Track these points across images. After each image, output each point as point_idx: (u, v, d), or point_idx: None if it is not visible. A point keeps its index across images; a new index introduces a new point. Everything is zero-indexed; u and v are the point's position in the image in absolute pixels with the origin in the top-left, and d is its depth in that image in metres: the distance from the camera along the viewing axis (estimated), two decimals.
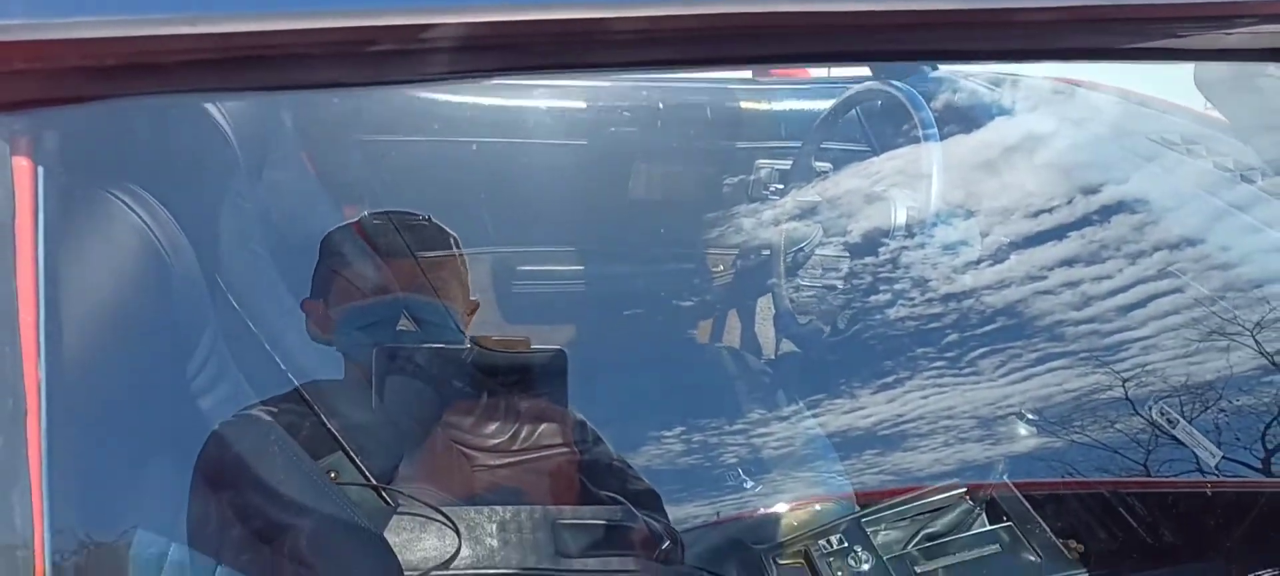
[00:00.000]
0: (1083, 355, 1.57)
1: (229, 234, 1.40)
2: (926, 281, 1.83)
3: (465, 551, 1.52)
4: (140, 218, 1.03)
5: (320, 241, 1.58)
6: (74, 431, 0.68)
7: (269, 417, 1.27)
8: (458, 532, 1.54)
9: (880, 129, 2.12)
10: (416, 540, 1.53)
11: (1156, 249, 1.58)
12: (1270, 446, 1.37)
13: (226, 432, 1.14)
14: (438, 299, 1.77)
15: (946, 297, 1.77)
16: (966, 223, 1.83)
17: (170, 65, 0.54)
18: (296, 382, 1.48)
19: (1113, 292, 1.58)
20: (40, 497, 0.61)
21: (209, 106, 1.41)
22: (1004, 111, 1.96)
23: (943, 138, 1.86)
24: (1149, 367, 1.49)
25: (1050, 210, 1.71)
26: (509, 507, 1.63)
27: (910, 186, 1.86)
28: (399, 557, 1.40)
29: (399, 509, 1.57)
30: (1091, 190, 1.67)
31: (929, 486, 1.61)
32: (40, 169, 0.59)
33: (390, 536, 1.45)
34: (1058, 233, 1.68)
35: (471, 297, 1.82)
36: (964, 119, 1.96)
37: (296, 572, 1.18)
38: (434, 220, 1.76)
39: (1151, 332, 1.51)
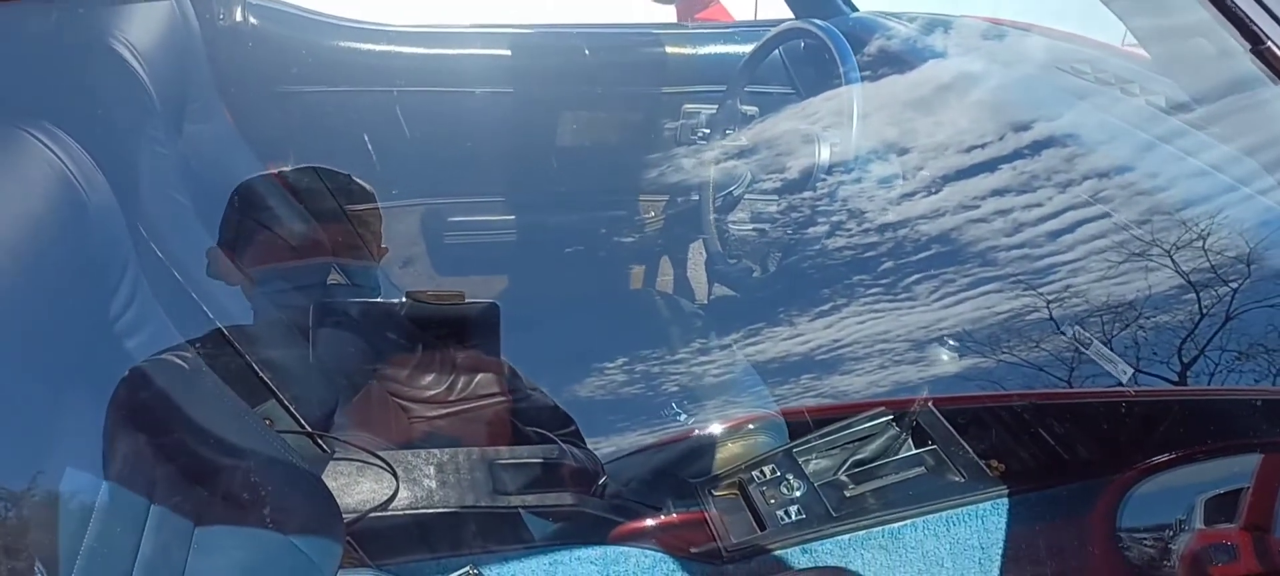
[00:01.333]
0: (1012, 278, 1.61)
1: (149, 180, 1.38)
2: (858, 214, 1.87)
3: (403, 493, 1.53)
4: (55, 154, 1.01)
5: (233, 191, 1.56)
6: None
7: (199, 361, 1.26)
8: (395, 475, 1.55)
9: (803, 71, 2.14)
10: (353, 484, 1.53)
11: (1086, 177, 1.62)
12: (1186, 359, 1.43)
13: (155, 374, 1.13)
14: (356, 251, 1.76)
15: (877, 230, 1.81)
16: (897, 159, 1.87)
17: None
18: (226, 330, 1.46)
19: (1043, 219, 1.62)
20: None
21: (121, 49, 1.38)
22: (935, 53, 2.00)
23: (873, 79, 1.89)
24: (1075, 289, 1.54)
25: (982, 145, 1.75)
26: (445, 450, 1.63)
27: (835, 126, 1.89)
28: (337, 500, 1.40)
29: (335, 455, 1.57)
30: (1023, 126, 1.72)
31: (859, 410, 1.65)
32: None
33: (328, 481, 1.45)
34: (989, 165, 1.72)
35: (383, 245, 1.81)
36: (894, 60, 1.99)
37: (231, 513, 1.18)
38: (348, 173, 1.75)
39: (1079, 256, 1.56)
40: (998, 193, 1.71)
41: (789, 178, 1.98)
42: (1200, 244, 1.43)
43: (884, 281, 1.81)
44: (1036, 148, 1.69)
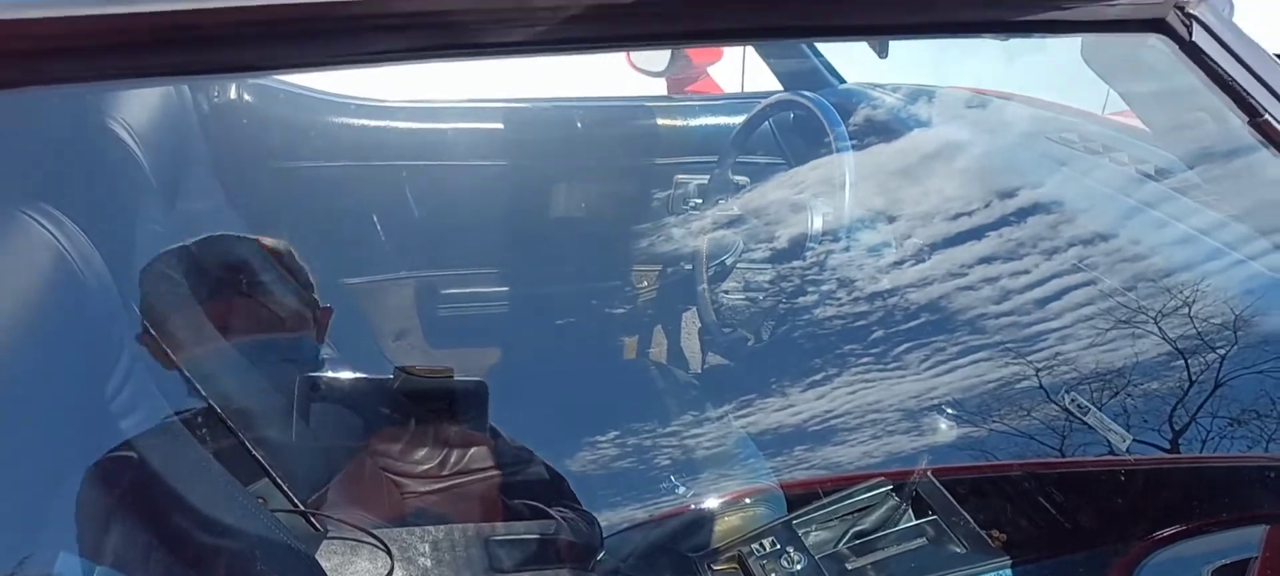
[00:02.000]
0: (1002, 346, 1.62)
1: (144, 259, 1.37)
2: (849, 283, 1.88)
3: (399, 572, 1.51)
4: (53, 236, 1.01)
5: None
6: None
7: (192, 441, 1.24)
8: (390, 554, 1.52)
9: (793, 141, 2.16)
10: (348, 564, 1.50)
11: (1071, 244, 1.64)
12: (1177, 426, 1.43)
13: (148, 455, 1.12)
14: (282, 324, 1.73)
15: (868, 298, 1.81)
16: (886, 227, 1.88)
17: (90, 48, 0.53)
18: (218, 409, 1.45)
19: (1029, 287, 1.63)
20: None
21: (118, 129, 1.39)
22: (920, 122, 2.02)
23: (859, 148, 1.91)
24: (1065, 356, 1.55)
25: (968, 213, 1.76)
26: (441, 526, 1.61)
27: (826, 195, 1.90)
28: None
29: (329, 534, 1.55)
30: (1008, 193, 1.73)
31: (856, 481, 1.64)
32: None
33: (321, 561, 1.42)
34: (975, 233, 1.74)
35: (323, 305, 1.78)
36: (880, 130, 2.02)
37: None
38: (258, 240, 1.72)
39: (1067, 323, 1.57)
40: (985, 260, 1.72)
41: (780, 247, 2.00)
42: (1187, 310, 1.44)
43: (874, 350, 1.81)
44: (1022, 215, 1.71)
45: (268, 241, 1.70)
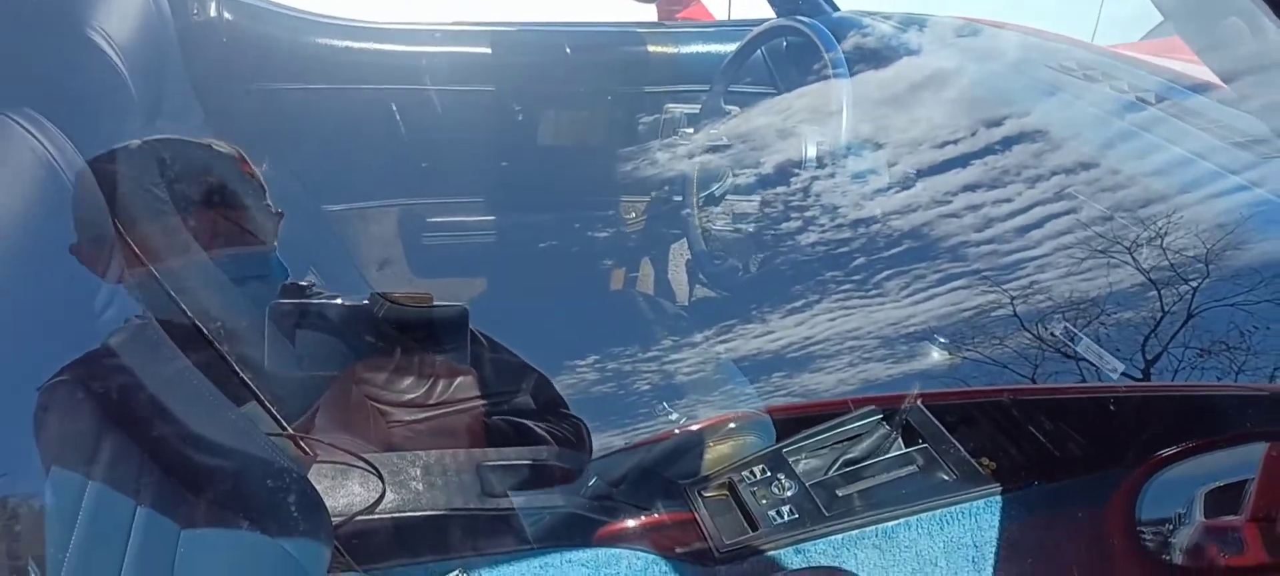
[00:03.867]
0: (985, 274, 1.62)
1: (128, 176, 1.33)
2: (839, 212, 1.86)
3: (390, 496, 1.50)
4: (39, 141, 0.97)
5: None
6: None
7: (182, 359, 1.21)
8: (381, 478, 1.51)
9: (786, 70, 2.14)
10: (338, 487, 1.49)
11: (1054, 173, 1.63)
12: (1149, 355, 1.43)
13: (140, 372, 1.09)
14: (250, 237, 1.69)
15: (854, 226, 1.80)
16: (873, 154, 1.87)
17: None
18: (205, 329, 1.42)
19: (1012, 214, 1.63)
20: None
21: (98, 39, 1.34)
22: (910, 50, 2.00)
23: (851, 76, 1.89)
24: (1041, 285, 1.55)
25: (955, 141, 1.75)
26: (432, 452, 1.60)
27: (819, 122, 1.88)
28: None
29: (318, 458, 1.54)
30: (995, 122, 1.72)
31: (845, 408, 1.64)
32: None
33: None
34: (961, 160, 1.73)
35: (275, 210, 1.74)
36: (870, 57, 1.99)
37: (218, 515, 1.14)
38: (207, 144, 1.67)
39: (1047, 251, 1.57)
40: (970, 188, 1.71)
41: (768, 174, 1.98)
42: (1161, 242, 1.44)
43: (861, 277, 1.81)
44: (1007, 143, 1.70)
45: (222, 147, 1.65)
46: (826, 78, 1.85)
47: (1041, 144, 1.67)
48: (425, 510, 1.48)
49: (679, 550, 1.55)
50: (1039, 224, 1.60)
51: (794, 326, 1.80)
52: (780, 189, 1.91)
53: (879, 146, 1.84)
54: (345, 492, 1.48)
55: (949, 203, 1.72)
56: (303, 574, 1.22)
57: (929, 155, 1.78)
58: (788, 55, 2.15)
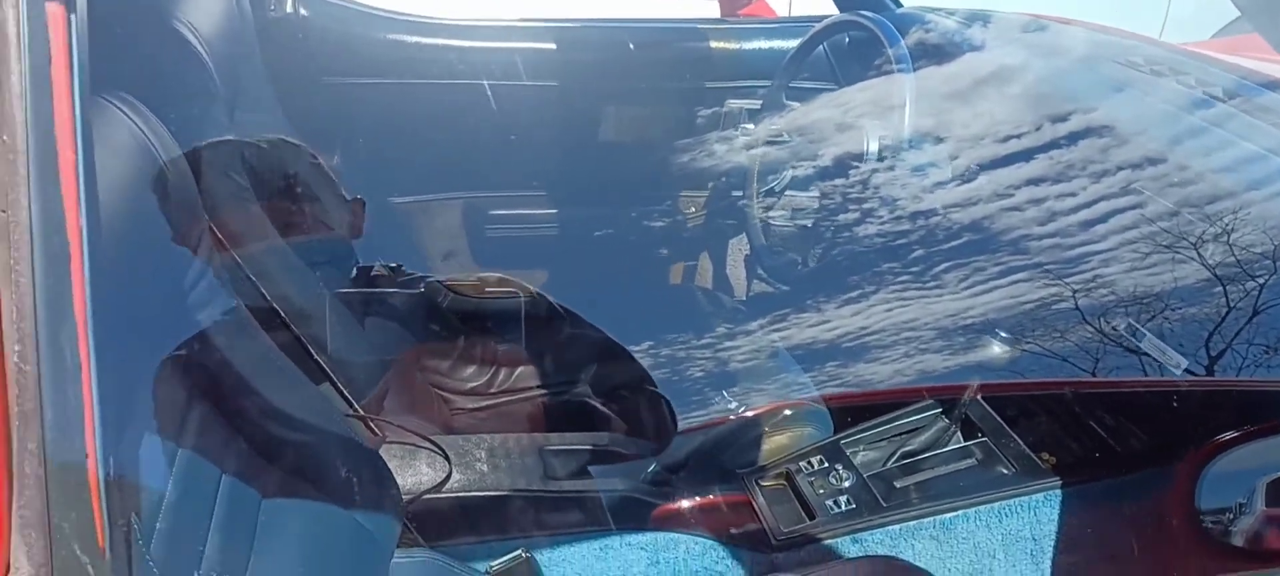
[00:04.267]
0: (1047, 267, 1.61)
1: (213, 165, 1.40)
2: (898, 206, 1.87)
3: (456, 476, 1.54)
4: (136, 123, 1.02)
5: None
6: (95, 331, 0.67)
7: (266, 339, 1.27)
8: (448, 459, 1.56)
9: (848, 65, 2.14)
10: (406, 467, 1.54)
11: (1121, 168, 1.62)
12: (1213, 352, 1.42)
13: (225, 348, 1.14)
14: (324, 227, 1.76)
15: (916, 220, 1.81)
16: (934, 148, 1.87)
17: None
18: (282, 311, 1.48)
19: (1077, 209, 1.62)
20: (91, 396, 0.60)
21: (184, 30, 1.40)
22: (975, 46, 2.00)
23: (914, 71, 1.89)
24: (1105, 279, 1.54)
25: (1020, 136, 1.74)
26: (496, 435, 1.64)
27: (880, 117, 1.89)
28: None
29: (388, 439, 1.59)
30: (1060, 117, 1.72)
31: (904, 397, 1.65)
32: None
33: None
34: (1025, 155, 1.72)
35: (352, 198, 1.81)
36: (933, 53, 1.99)
37: (297, 487, 1.19)
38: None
39: (1112, 246, 1.56)
40: (1033, 182, 1.71)
41: (829, 169, 1.99)
42: (1228, 238, 1.43)
43: (923, 270, 1.81)
44: (1073, 138, 1.69)
45: (295, 142, 1.73)
46: (889, 73, 1.85)
47: (1108, 139, 1.66)
48: (489, 491, 1.53)
49: (736, 536, 1.58)
50: (1104, 218, 1.59)
51: (850, 316, 1.81)
52: (845, 186, 1.92)
53: (940, 140, 1.84)
54: (413, 472, 1.53)
55: (1011, 196, 1.72)
56: (374, 546, 1.26)
57: (992, 149, 1.78)
58: (850, 51, 2.16)
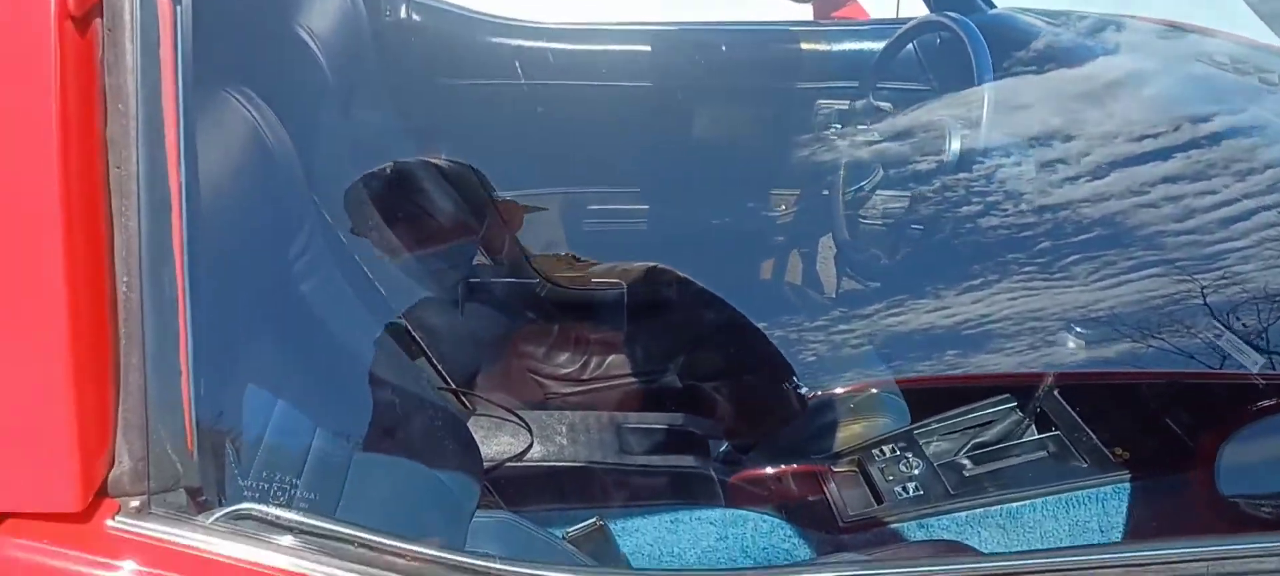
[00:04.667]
0: (1180, 263, 1.60)
1: (323, 150, 1.53)
2: (981, 205, 1.88)
3: (537, 447, 1.64)
4: (250, 113, 1.16)
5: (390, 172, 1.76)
6: (202, 301, 0.78)
7: (365, 311, 1.40)
8: (530, 431, 1.66)
9: (938, 66, 2.16)
10: (492, 437, 1.65)
11: (1269, 166, 1.59)
12: None
13: (326, 316, 1.27)
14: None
15: (997, 217, 1.82)
16: (1027, 153, 1.88)
17: None
18: (382, 290, 1.61)
19: (1216, 206, 1.60)
20: (185, 324, 0.72)
21: (303, 33, 1.55)
22: (1072, 48, 1.99)
23: (1004, 73, 1.91)
24: (1244, 276, 1.53)
25: (1156, 135, 1.72)
26: (577, 412, 1.74)
27: (966, 120, 1.91)
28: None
29: (477, 412, 1.70)
30: (1202, 118, 1.69)
31: (979, 383, 1.67)
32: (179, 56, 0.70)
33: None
34: (1162, 154, 1.69)
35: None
36: (1026, 54, 2.00)
37: (387, 444, 1.31)
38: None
39: (1252, 244, 1.54)
40: (1170, 179, 1.69)
41: (918, 172, 2.01)
42: None
43: (1039, 260, 1.80)
44: (1216, 138, 1.67)
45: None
46: (975, 76, 1.88)
47: (1255, 139, 1.64)
48: (568, 462, 1.63)
49: (803, 516, 1.63)
50: (1245, 216, 1.57)
51: (970, 304, 1.81)
52: (933, 188, 1.94)
53: (1070, 138, 1.83)
54: (497, 442, 1.64)
55: (1146, 193, 1.70)
56: (455, 504, 1.37)
57: (1125, 148, 1.77)
58: (941, 52, 2.18)
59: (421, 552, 0.72)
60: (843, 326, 1.96)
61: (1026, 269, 1.79)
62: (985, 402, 1.73)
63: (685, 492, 1.62)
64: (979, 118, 1.86)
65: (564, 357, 2.06)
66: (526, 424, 1.66)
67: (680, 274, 2.10)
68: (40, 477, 0.65)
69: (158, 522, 0.68)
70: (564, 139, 2.25)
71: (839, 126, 2.26)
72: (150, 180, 0.66)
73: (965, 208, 1.88)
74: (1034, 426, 1.68)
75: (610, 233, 2.37)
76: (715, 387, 1.91)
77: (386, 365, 1.40)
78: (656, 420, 1.74)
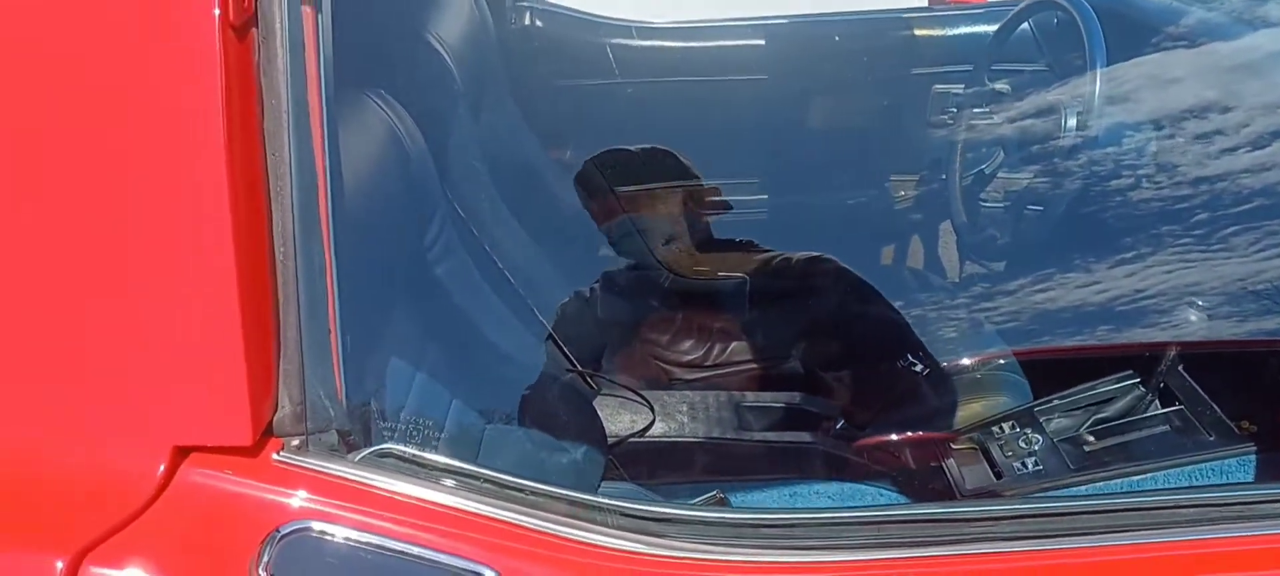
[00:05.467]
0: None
1: (454, 148, 1.65)
2: (1101, 186, 1.87)
3: (658, 424, 1.73)
4: (388, 114, 1.28)
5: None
6: (347, 271, 0.89)
7: (496, 297, 1.51)
8: (651, 409, 1.74)
9: (1055, 45, 2.15)
10: (616, 415, 1.74)
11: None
12: None
13: (460, 298, 1.39)
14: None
15: (1114, 196, 1.81)
16: (1141, 132, 1.85)
17: None
18: (511, 278, 1.72)
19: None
20: (332, 287, 0.82)
21: (433, 42, 1.67)
22: (1187, 24, 1.95)
23: (1118, 51, 1.89)
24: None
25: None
26: (697, 392, 1.81)
27: (1083, 100, 1.90)
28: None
29: (602, 391, 1.80)
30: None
31: (1096, 358, 1.67)
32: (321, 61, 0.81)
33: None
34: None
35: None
36: (1140, 32, 1.97)
37: (516, 417, 1.41)
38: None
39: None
40: None
41: (1036, 153, 2.01)
42: None
43: (1197, 232, 1.78)
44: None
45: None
46: (1090, 55, 1.87)
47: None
48: (688, 438, 1.70)
49: (920, 490, 1.66)
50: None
51: (1123, 277, 1.80)
52: (1051, 169, 1.92)
53: (1227, 110, 1.80)
54: (621, 421, 1.72)
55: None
56: (581, 473, 1.46)
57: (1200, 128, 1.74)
58: (1058, 31, 2.16)
59: (567, 494, 0.81)
60: (977, 306, 1.97)
61: (1182, 241, 1.77)
62: (1107, 378, 1.71)
63: (804, 467, 1.67)
64: (1116, 94, 1.85)
65: (688, 344, 2.13)
66: (648, 402, 1.74)
67: (801, 258, 2.14)
68: (220, 416, 0.77)
69: (315, 458, 0.79)
70: (682, 133, 2.33)
71: (955, 110, 2.26)
72: (300, 166, 0.77)
73: (1115, 181, 1.87)
74: (1157, 401, 1.66)
75: (730, 224, 2.43)
76: (837, 375, 1.96)
77: (517, 346, 1.51)
78: (774, 398, 1.79)
